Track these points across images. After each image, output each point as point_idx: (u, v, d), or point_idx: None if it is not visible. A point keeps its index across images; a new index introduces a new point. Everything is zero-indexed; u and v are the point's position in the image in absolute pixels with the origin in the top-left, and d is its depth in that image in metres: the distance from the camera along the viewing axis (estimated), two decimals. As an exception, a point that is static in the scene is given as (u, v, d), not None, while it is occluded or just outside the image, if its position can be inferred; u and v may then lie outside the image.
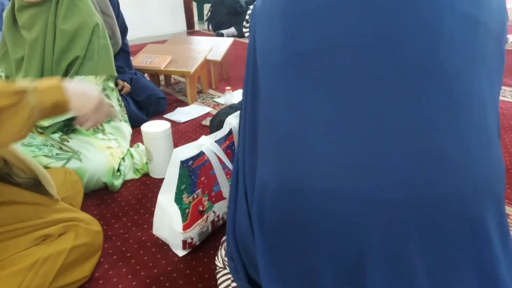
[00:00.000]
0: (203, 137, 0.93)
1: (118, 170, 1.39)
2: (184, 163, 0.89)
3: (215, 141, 0.96)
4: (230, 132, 1.01)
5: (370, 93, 0.53)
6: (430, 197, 0.51)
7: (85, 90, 0.82)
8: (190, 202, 0.98)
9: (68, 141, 1.34)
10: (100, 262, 1.02)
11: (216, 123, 1.49)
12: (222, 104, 2.15)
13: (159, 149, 1.36)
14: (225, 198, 1.07)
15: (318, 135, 0.55)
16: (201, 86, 2.36)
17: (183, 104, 2.17)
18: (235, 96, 2.13)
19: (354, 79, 0.54)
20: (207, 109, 2.08)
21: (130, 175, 1.43)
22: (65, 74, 1.30)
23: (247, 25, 0.88)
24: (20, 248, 0.83)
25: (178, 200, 0.95)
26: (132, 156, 1.48)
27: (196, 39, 2.71)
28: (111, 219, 1.21)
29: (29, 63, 1.30)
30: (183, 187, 0.94)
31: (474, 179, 0.52)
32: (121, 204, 1.28)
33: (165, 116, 2.00)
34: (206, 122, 1.88)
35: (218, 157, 0.95)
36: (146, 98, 1.94)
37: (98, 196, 1.32)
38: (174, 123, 1.92)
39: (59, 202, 0.98)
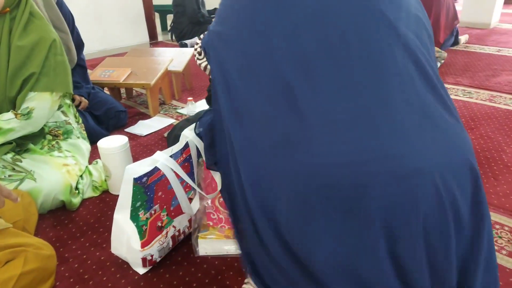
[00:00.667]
0: (158, 152, 0.92)
1: (76, 188, 1.35)
2: (137, 180, 0.87)
3: (171, 155, 0.95)
4: (187, 145, 1.01)
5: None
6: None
7: None
8: (147, 218, 0.97)
9: (21, 161, 1.29)
10: (56, 286, 0.99)
11: (173, 137, 1.48)
12: (185, 115, 2.14)
13: (117, 164, 1.33)
14: (182, 214, 1.06)
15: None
16: (163, 98, 2.33)
17: (146, 116, 2.14)
18: (198, 106, 2.13)
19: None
20: (169, 121, 2.06)
21: (89, 193, 1.39)
22: (20, 90, 1.26)
23: (200, 57, 0.91)
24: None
25: (134, 217, 0.93)
26: (90, 173, 1.44)
27: (157, 50, 2.68)
28: (68, 240, 1.16)
29: None
30: (138, 204, 0.92)
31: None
32: (79, 224, 1.24)
33: (126, 130, 1.96)
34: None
35: (175, 172, 0.94)
36: (105, 112, 1.90)
37: (54, 216, 1.27)
38: (135, 137, 1.89)
39: (8, 228, 0.94)
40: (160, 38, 4.47)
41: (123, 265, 1.05)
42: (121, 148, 1.32)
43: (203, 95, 2.46)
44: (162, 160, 0.91)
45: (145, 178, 0.89)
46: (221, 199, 1.06)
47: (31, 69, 1.24)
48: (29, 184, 1.22)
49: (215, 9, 4.11)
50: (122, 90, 2.46)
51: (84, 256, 1.10)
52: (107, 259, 1.08)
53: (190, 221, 1.11)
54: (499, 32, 3.75)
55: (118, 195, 1.36)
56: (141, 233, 0.96)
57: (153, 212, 0.98)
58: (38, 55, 1.25)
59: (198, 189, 0.97)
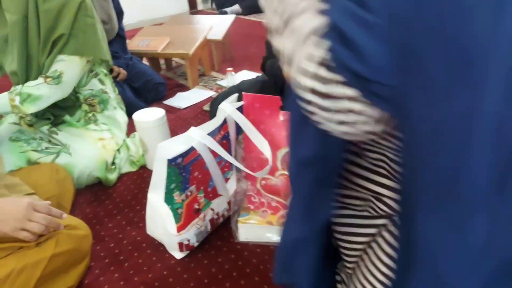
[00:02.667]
0: (192, 129, 0.82)
1: (113, 163, 1.31)
2: (172, 162, 0.78)
3: (208, 133, 0.85)
4: (225, 121, 0.90)
5: None
6: None
7: (5, 208, 0.76)
8: (183, 200, 0.88)
9: (57, 133, 1.26)
10: (91, 267, 0.95)
11: (216, 108, 1.38)
12: (225, 87, 2.03)
13: (154, 139, 1.26)
14: (221, 196, 0.97)
15: None
16: (203, 69, 2.23)
17: (185, 88, 2.06)
18: (238, 78, 2.01)
19: None
20: (209, 93, 1.96)
21: (126, 168, 1.34)
22: (49, 54, 1.20)
23: None
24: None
25: (168, 200, 0.85)
26: (128, 147, 1.39)
27: (196, 18, 2.56)
28: (104, 218, 1.12)
29: (12, 45, 1.20)
30: (173, 185, 0.84)
31: None
32: (115, 200, 1.20)
33: (164, 102, 1.89)
34: (208, 107, 1.77)
35: (212, 151, 0.84)
36: (143, 84, 1.83)
37: (92, 192, 1.24)
38: (174, 110, 1.81)
39: None
40: (200, 6, 4.34)
41: (159, 247, 0.99)
42: (157, 121, 1.24)
43: (244, 65, 2.32)
44: (199, 138, 0.81)
45: (180, 159, 0.80)
46: (263, 182, 0.96)
47: (60, 30, 1.16)
48: (64, 159, 1.19)
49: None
50: (162, 61, 2.39)
51: (120, 236, 1.05)
52: (143, 240, 1.02)
53: (229, 203, 1.02)
54: None
55: (154, 172, 1.31)
56: (177, 217, 0.88)
57: (189, 193, 0.89)
58: (67, 16, 1.17)
59: (244, 169, 0.86)
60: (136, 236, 1.04)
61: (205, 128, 0.86)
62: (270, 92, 0.94)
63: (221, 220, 1.02)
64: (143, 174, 1.33)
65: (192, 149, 0.81)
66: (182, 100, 1.91)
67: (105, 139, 1.29)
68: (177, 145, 0.79)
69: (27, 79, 1.21)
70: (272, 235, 0.97)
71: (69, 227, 0.87)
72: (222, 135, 0.91)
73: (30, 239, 0.78)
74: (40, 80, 1.16)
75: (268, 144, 0.90)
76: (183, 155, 0.80)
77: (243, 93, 0.91)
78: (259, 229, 0.96)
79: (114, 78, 1.73)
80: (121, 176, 1.31)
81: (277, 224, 0.96)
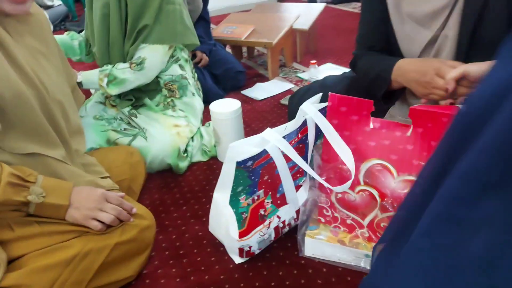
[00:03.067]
0: (268, 130, 0.74)
1: (186, 151, 1.29)
2: (241, 164, 0.71)
3: (284, 136, 0.76)
4: (305, 123, 0.80)
5: None
6: None
7: (79, 196, 0.79)
8: (249, 204, 0.81)
9: (136, 116, 1.28)
10: (152, 257, 0.93)
11: (295, 104, 1.28)
12: (306, 80, 1.92)
13: (227, 131, 1.21)
14: (286, 204, 0.88)
15: None
16: (284, 59, 2.14)
17: (264, 79, 1.99)
18: (321, 71, 1.88)
19: None
20: (288, 86, 1.87)
21: (198, 157, 1.32)
22: (133, 42, 1.22)
23: None
24: (59, 238, 0.76)
25: (233, 202, 0.79)
26: (201, 136, 1.37)
27: (284, 5, 2.46)
28: (170, 207, 1.11)
29: (98, 39, 1.24)
30: (240, 188, 0.77)
31: None
32: (183, 189, 1.18)
33: (242, 92, 1.85)
34: (285, 101, 1.68)
35: (285, 155, 0.75)
36: (224, 72, 1.80)
37: (162, 177, 1.24)
38: (251, 101, 1.76)
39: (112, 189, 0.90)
40: (288, -6, 4.22)
41: (219, 248, 0.94)
42: (232, 114, 1.19)
43: (328, 59, 2.18)
44: (273, 141, 0.72)
45: (250, 162, 0.72)
46: (339, 195, 0.84)
47: (145, 21, 1.18)
48: (140, 142, 1.20)
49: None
50: (244, 49, 2.35)
51: (183, 228, 1.02)
52: (204, 236, 0.98)
53: (298, 212, 0.93)
54: None
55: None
56: (240, 221, 0.81)
57: (256, 198, 0.82)
58: (152, 6, 1.17)
59: (320, 179, 0.76)
60: (198, 231, 1.01)
61: (281, 130, 0.77)
62: (360, 93, 0.81)
63: (286, 229, 0.94)
64: (213, 165, 1.29)
65: (264, 152, 0.73)
66: (259, 91, 1.84)
67: (180, 126, 1.28)
68: (249, 147, 0.72)
69: (108, 63, 1.25)
70: (342, 256, 0.85)
71: (135, 216, 0.86)
72: (299, 138, 0.82)
73: (99, 228, 0.78)
74: (127, 65, 1.20)
75: (352, 154, 0.78)
76: (255, 158, 0.72)
77: (329, 93, 0.80)
78: (328, 247, 0.86)
79: (196, 63, 1.73)
80: (192, 165, 1.30)
81: (350, 244, 0.84)
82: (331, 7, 3.41)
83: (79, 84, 1.19)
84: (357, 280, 0.82)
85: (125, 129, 1.24)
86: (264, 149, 0.72)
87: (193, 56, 1.74)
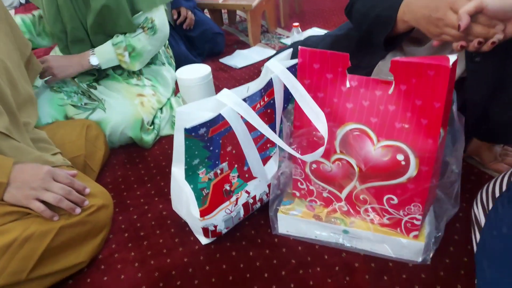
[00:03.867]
0: (224, 91, 0.62)
1: (153, 123, 1.18)
2: (191, 132, 0.60)
3: (245, 98, 0.65)
4: (271, 83, 0.69)
5: None
6: None
7: (21, 174, 0.69)
8: (210, 179, 0.71)
9: (95, 88, 1.15)
10: (109, 240, 0.84)
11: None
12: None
13: (196, 99, 1.09)
14: (255, 178, 0.78)
15: None
16: (267, 24, 1.99)
17: (245, 46, 1.86)
18: (305, 36, 1.74)
19: None
20: (270, 52, 1.73)
21: (167, 130, 1.21)
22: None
23: None
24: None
25: (191, 178, 0.68)
26: (171, 107, 1.25)
27: (266, -34, 2.28)
28: (134, 184, 1.01)
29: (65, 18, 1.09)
30: (196, 161, 0.66)
31: None
32: (149, 165, 1.08)
33: (221, 60, 1.72)
34: (266, 67, 1.55)
35: (247, 123, 0.64)
36: (201, 34, 1.66)
37: (126, 152, 1.13)
38: (229, 69, 1.63)
39: (60, 167, 0.79)
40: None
41: (184, 228, 0.84)
42: (200, 80, 1.06)
43: (314, 22, 2.04)
44: (230, 104, 0.61)
45: (203, 130, 0.61)
46: (314, 166, 0.74)
47: None
48: (98, 114, 1.08)
49: None
50: (225, 15, 2.20)
51: (146, 207, 0.93)
52: (168, 215, 0.89)
53: (269, 186, 0.83)
54: None
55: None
56: (200, 198, 0.71)
57: (218, 171, 0.72)
58: None
59: (287, 148, 0.66)
60: (162, 210, 0.91)
61: (242, 91, 0.66)
62: (344, 50, 0.69)
63: (258, 205, 0.84)
64: (183, 138, 1.18)
65: (220, 117, 0.62)
66: (239, 58, 1.71)
67: (145, 96, 1.16)
68: (201, 112, 0.61)
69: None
70: (319, 233, 0.76)
71: (88, 196, 0.76)
72: (265, 101, 0.70)
73: (41, 211, 0.68)
74: (139, 30, 1.11)
75: (326, 118, 0.68)
76: (207, 124, 0.61)
77: (299, 47, 0.68)
78: (303, 223, 0.77)
79: (180, 24, 1.59)
80: (160, 139, 1.19)
81: (327, 220, 0.75)
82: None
83: (97, 67, 1.10)
84: (335, 258, 0.74)
85: (85, 104, 1.12)
86: (220, 114, 0.61)
87: (178, 15, 1.60)
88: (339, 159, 0.71)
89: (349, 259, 0.74)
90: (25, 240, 0.67)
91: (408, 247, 0.70)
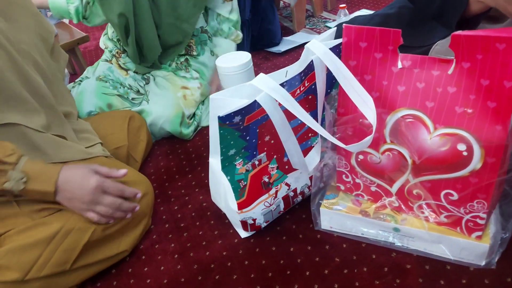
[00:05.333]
0: (261, 76, 0.58)
1: (194, 114, 1.17)
2: (225, 121, 0.57)
3: (283, 84, 0.60)
4: (311, 66, 0.63)
5: None
6: None
7: (81, 180, 0.68)
8: (247, 171, 0.68)
9: (148, 82, 1.15)
10: (150, 231, 0.84)
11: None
12: (336, 30, 1.69)
13: (237, 89, 1.06)
14: (296, 170, 0.73)
15: None
16: (313, 8, 1.90)
17: (289, 32, 1.79)
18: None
19: None
20: (315, 37, 1.65)
21: (208, 121, 1.19)
22: None
23: None
24: (37, 215, 0.68)
25: (227, 169, 0.65)
26: (213, 97, 1.23)
27: None
28: (175, 175, 1.01)
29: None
30: (232, 151, 0.63)
31: None
32: (191, 156, 1.07)
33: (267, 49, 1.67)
34: (310, 53, 1.48)
35: (286, 111, 0.59)
36: (260, 29, 1.59)
37: (169, 143, 1.14)
38: (272, 57, 1.58)
39: (99, 158, 0.80)
40: None
41: (224, 220, 0.82)
42: (241, 68, 1.03)
43: (363, 4, 1.91)
44: (267, 89, 0.57)
45: (238, 118, 0.58)
46: (361, 157, 0.68)
47: None
48: (142, 106, 1.09)
49: None
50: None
51: (187, 198, 0.92)
52: (208, 207, 0.87)
53: (311, 178, 0.78)
54: None
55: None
56: (238, 191, 0.68)
57: (256, 162, 0.68)
58: None
59: (330, 138, 0.60)
60: (202, 202, 0.90)
61: (280, 75, 0.61)
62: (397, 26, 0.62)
63: (299, 198, 0.80)
64: (225, 128, 1.16)
65: (256, 104, 0.58)
66: (283, 44, 1.65)
67: (189, 89, 1.15)
68: (234, 100, 0.57)
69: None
70: (367, 230, 0.70)
71: (129, 183, 0.76)
72: (305, 87, 0.65)
73: (97, 220, 0.69)
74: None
75: (374, 104, 0.61)
76: (243, 112, 0.57)
77: (343, 25, 0.62)
78: (349, 219, 0.71)
79: None
80: (202, 129, 1.18)
81: (375, 216, 0.69)
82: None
83: None
84: (384, 258, 0.67)
85: (132, 99, 1.13)
86: (255, 101, 0.57)
87: None
88: (390, 150, 0.64)
89: (400, 260, 0.67)
90: (68, 232, 0.68)
91: (470, 248, 0.62)
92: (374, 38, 0.59)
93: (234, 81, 1.04)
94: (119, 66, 1.18)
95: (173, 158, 1.07)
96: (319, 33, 1.72)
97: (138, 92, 1.14)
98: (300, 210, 0.80)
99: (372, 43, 0.60)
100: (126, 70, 1.17)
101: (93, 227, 0.70)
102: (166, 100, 1.08)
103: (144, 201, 0.79)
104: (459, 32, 0.52)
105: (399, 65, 0.60)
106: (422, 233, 0.64)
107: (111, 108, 1.10)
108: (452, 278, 0.62)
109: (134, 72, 1.16)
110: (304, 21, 1.81)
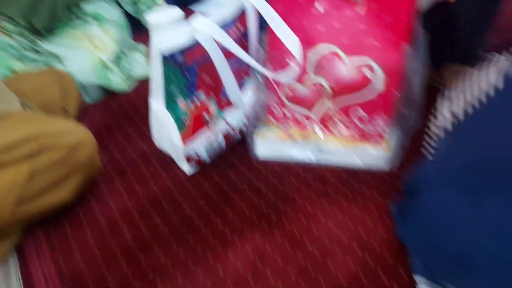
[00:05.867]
0: (202, 19, 0.64)
1: (118, 64, 1.14)
2: (169, 59, 0.62)
3: (221, 24, 0.67)
4: (243, 11, 0.71)
5: None
6: None
7: None
8: (189, 108, 0.74)
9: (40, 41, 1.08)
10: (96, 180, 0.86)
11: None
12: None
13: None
14: (232, 106, 0.81)
15: None
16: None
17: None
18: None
19: None
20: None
21: (140, 70, 1.19)
22: None
23: None
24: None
25: (171, 106, 0.71)
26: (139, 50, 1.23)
27: None
28: (113, 128, 1.02)
29: None
30: (173, 87, 0.69)
31: None
32: (125, 108, 1.09)
33: (190, 7, 1.67)
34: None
35: (224, 50, 0.66)
36: None
37: (104, 102, 1.12)
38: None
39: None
40: None
41: (168, 160, 0.88)
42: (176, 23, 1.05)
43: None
44: (205, 29, 0.63)
45: (179, 57, 0.63)
46: (288, 92, 0.79)
47: None
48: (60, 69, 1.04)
49: None
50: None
51: (128, 147, 0.95)
52: (152, 153, 0.92)
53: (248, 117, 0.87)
54: None
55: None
56: (181, 126, 0.75)
57: (196, 100, 0.75)
58: None
59: (262, 69, 0.69)
60: (145, 150, 0.94)
61: (215, 17, 0.67)
62: None
63: (238, 136, 0.89)
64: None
65: (196, 44, 0.64)
66: (212, 6, 1.67)
67: (95, 36, 1.09)
68: (175, 37, 0.62)
69: None
70: (295, 152, 0.82)
71: (57, 133, 0.72)
72: (240, 31, 0.73)
73: None
74: None
75: (298, 42, 0.71)
76: (184, 51, 0.63)
77: (270, -27, 0.70)
78: (279, 144, 0.82)
79: None
80: (136, 85, 1.18)
81: (301, 139, 0.81)
82: None
83: None
84: (310, 174, 0.81)
85: (33, 60, 1.05)
86: (196, 41, 0.63)
87: None
88: (312, 81, 0.75)
89: (323, 172, 0.81)
90: None
91: (377, 156, 0.77)
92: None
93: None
94: (2, 32, 1.09)
95: (109, 115, 1.08)
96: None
97: (34, 51, 1.07)
98: (239, 147, 0.89)
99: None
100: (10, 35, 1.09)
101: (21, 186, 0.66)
102: (80, 54, 1.04)
103: (82, 151, 0.75)
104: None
105: (318, 8, 0.70)
106: (340, 148, 0.78)
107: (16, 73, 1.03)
108: (364, 179, 0.78)
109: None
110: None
